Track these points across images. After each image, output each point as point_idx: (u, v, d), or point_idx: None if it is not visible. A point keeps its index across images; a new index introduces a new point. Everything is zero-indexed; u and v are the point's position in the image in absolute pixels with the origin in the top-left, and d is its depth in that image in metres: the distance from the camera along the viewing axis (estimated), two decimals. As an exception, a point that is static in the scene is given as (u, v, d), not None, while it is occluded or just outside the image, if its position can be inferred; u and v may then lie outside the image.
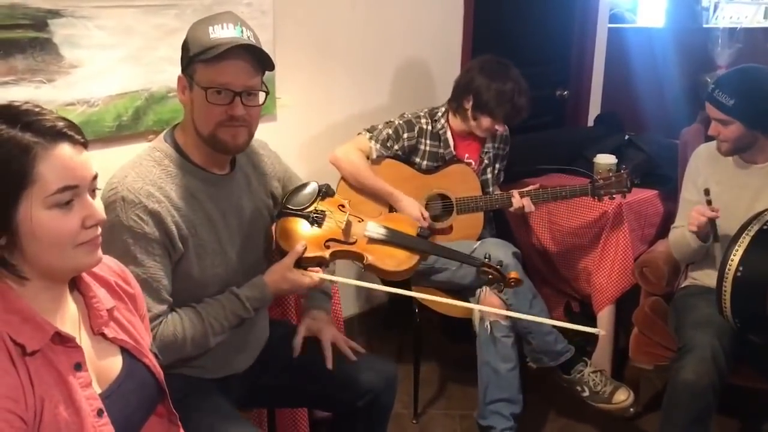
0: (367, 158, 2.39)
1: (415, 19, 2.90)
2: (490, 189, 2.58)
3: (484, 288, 2.30)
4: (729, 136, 2.06)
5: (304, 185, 1.72)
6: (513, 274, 1.83)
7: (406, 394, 2.51)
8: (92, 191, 1.02)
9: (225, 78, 1.42)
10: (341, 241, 1.66)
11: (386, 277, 1.72)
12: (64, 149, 0.97)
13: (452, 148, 2.48)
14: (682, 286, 2.30)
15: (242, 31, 1.44)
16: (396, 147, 2.42)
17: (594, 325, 2.39)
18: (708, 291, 2.05)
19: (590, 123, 3.67)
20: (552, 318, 2.48)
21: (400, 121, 2.43)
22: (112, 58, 1.99)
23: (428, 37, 2.97)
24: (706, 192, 2.07)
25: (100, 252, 1.05)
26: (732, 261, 1.83)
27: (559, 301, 2.88)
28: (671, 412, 1.92)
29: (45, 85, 1.87)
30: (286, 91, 2.48)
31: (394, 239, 1.70)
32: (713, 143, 2.18)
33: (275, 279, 1.57)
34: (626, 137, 2.97)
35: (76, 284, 1.09)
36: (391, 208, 2.39)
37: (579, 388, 2.34)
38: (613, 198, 2.42)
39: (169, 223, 1.44)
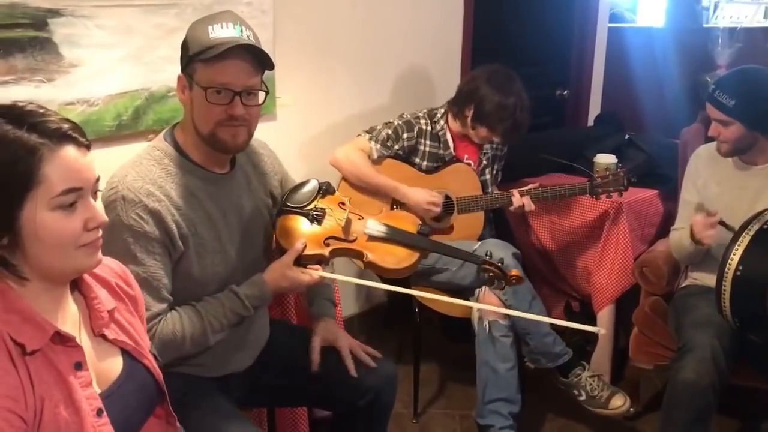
0: (368, 158, 2.39)
1: (415, 19, 2.90)
2: (489, 189, 2.58)
3: (483, 288, 2.30)
4: (729, 137, 2.06)
5: (305, 183, 1.71)
6: (514, 272, 1.83)
7: (406, 393, 2.51)
8: (94, 193, 1.03)
9: (225, 78, 1.42)
10: (341, 238, 1.65)
11: (386, 275, 1.72)
12: (70, 151, 0.97)
13: (452, 149, 2.48)
14: (682, 285, 2.30)
15: (242, 31, 1.44)
16: (396, 147, 2.42)
17: (594, 325, 2.39)
18: (708, 291, 2.05)
19: (590, 123, 3.67)
20: (552, 318, 2.48)
21: (400, 122, 2.43)
22: (111, 58, 1.99)
23: (428, 37, 2.97)
24: (700, 207, 2.09)
25: (100, 254, 1.05)
26: (732, 260, 1.83)
27: (559, 300, 2.88)
28: (671, 412, 1.92)
29: (45, 85, 1.87)
30: (286, 91, 2.48)
31: (395, 237, 1.69)
32: (713, 144, 2.18)
33: (275, 277, 1.57)
34: (626, 137, 2.97)
35: (77, 285, 1.09)
36: (393, 206, 2.39)
37: (576, 392, 2.34)
38: (611, 196, 2.42)
39: (169, 222, 1.44)
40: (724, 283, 1.84)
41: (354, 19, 2.68)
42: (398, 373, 1.81)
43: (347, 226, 1.67)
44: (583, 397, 2.33)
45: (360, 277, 1.85)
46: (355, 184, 2.39)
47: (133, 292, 1.22)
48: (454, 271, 2.35)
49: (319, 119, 2.66)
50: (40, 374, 0.96)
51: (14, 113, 0.96)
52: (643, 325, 2.34)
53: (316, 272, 1.58)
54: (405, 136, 2.42)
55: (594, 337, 2.62)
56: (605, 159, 2.68)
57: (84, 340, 1.06)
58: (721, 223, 2.01)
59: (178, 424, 1.24)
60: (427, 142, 2.46)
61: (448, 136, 2.47)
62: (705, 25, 3.85)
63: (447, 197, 2.45)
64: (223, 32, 1.42)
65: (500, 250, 2.22)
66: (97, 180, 1.03)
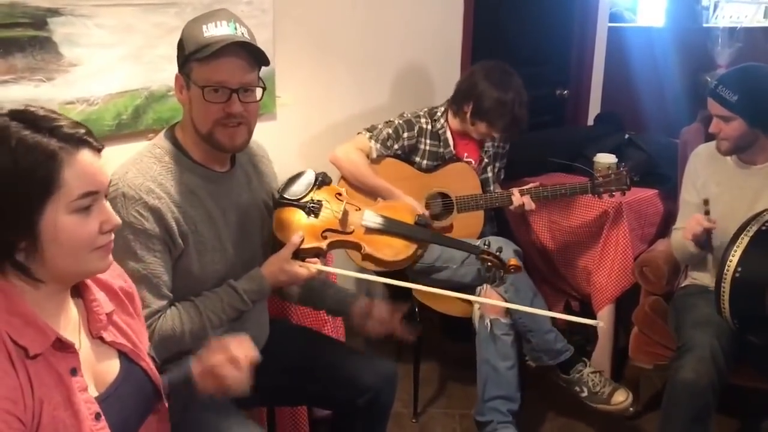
0: (367, 157, 2.39)
1: (415, 18, 2.90)
2: (491, 187, 2.58)
3: (484, 285, 2.30)
4: (730, 134, 2.06)
5: (301, 174, 1.70)
6: (512, 261, 1.82)
7: (405, 393, 2.51)
8: (105, 196, 1.04)
9: (221, 76, 1.42)
10: (338, 231, 1.64)
11: (384, 267, 1.70)
12: (86, 155, 0.99)
13: (452, 148, 2.48)
14: (682, 285, 2.30)
15: (236, 28, 1.44)
16: (396, 146, 2.42)
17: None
18: (708, 290, 2.05)
19: (590, 122, 3.67)
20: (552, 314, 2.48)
21: (400, 121, 2.43)
22: (111, 57, 1.99)
23: (428, 36, 2.97)
24: (705, 202, 2.07)
25: (110, 257, 1.07)
26: (731, 261, 1.83)
27: (558, 300, 2.88)
28: (671, 411, 1.92)
29: (44, 84, 1.86)
30: (286, 90, 2.48)
31: (392, 228, 1.68)
32: (712, 143, 2.18)
33: (273, 271, 1.57)
34: (626, 136, 2.97)
35: (77, 288, 1.09)
36: None
37: (578, 389, 2.34)
38: (613, 195, 2.42)
39: (170, 219, 1.44)
40: (723, 284, 1.84)
41: (354, 19, 2.68)
42: (398, 372, 1.81)
43: (344, 218, 1.66)
44: (585, 394, 2.33)
45: (358, 271, 1.85)
46: (353, 184, 2.40)
47: (131, 290, 1.22)
48: (454, 269, 2.35)
49: (319, 119, 2.66)
50: (40, 377, 0.97)
51: (30, 118, 0.97)
52: (643, 325, 2.34)
53: (313, 266, 1.57)
54: (405, 135, 2.42)
55: (594, 336, 2.62)
56: (605, 158, 2.68)
57: (83, 342, 1.07)
58: (709, 233, 2.03)
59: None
60: (428, 141, 2.45)
61: (449, 134, 2.47)
62: (705, 25, 3.85)
63: (446, 196, 2.45)
64: (217, 30, 1.42)
65: (500, 243, 2.22)
66: (109, 183, 1.04)
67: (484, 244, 1.84)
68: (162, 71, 2.08)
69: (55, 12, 1.85)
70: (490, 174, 2.57)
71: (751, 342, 1.93)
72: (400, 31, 2.86)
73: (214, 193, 1.54)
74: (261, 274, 1.57)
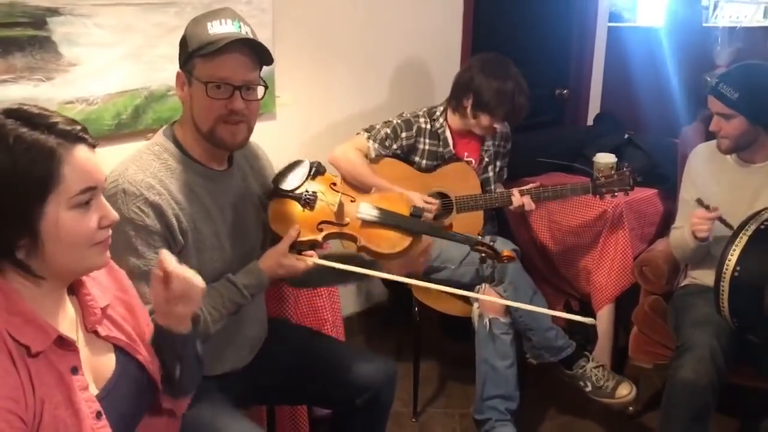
0: (366, 157, 2.39)
1: (415, 18, 2.90)
2: (492, 187, 2.57)
3: (483, 285, 2.30)
4: (731, 132, 2.06)
5: (296, 163, 1.68)
6: (506, 252, 1.81)
7: (405, 392, 2.51)
8: (102, 192, 1.05)
9: (224, 72, 1.43)
10: (334, 223, 1.64)
11: (380, 260, 1.70)
12: (83, 151, 1.00)
13: (451, 147, 2.48)
14: (682, 285, 2.30)
15: (240, 27, 1.45)
16: (394, 146, 2.41)
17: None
18: (707, 290, 2.04)
19: (590, 122, 3.67)
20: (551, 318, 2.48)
21: (399, 121, 2.43)
22: (111, 56, 1.99)
23: (428, 36, 2.97)
24: (699, 202, 2.06)
25: (108, 253, 1.07)
26: (729, 261, 1.83)
27: (558, 299, 2.88)
28: (670, 411, 1.92)
29: (44, 83, 1.87)
30: (286, 90, 2.48)
31: (388, 220, 1.68)
32: (712, 142, 2.18)
33: (270, 265, 1.57)
34: (626, 136, 2.97)
35: (72, 285, 1.10)
36: None
37: (581, 383, 2.34)
38: (615, 196, 2.42)
39: (170, 216, 1.45)
40: (722, 284, 1.84)
41: (354, 18, 2.68)
42: (398, 371, 1.81)
43: (340, 210, 1.66)
44: (589, 388, 2.33)
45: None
46: (351, 183, 2.39)
47: (126, 282, 1.23)
48: (453, 269, 2.35)
49: (318, 118, 2.66)
50: (41, 376, 0.97)
51: (25, 115, 0.97)
52: (643, 324, 2.34)
53: (310, 259, 1.57)
54: (404, 135, 2.42)
55: (594, 336, 2.62)
56: (605, 158, 2.68)
57: (80, 338, 1.07)
58: (721, 219, 2.01)
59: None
60: (427, 141, 2.45)
61: (448, 133, 2.47)
62: (704, 25, 3.84)
63: (446, 196, 2.45)
64: (222, 28, 1.43)
65: (498, 242, 2.22)
66: (107, 180, 1.05)
67: (479, 235, 1.83)
68: (162, 71, 2.08)
69: (54, 11, 1.85)
70: (491, 173, 2.57)
71: (751, 341, 1.94)
72: (400, 31, 2.86)
73: (212, 192, 1.54)
74: (259, 268, 1.57)
